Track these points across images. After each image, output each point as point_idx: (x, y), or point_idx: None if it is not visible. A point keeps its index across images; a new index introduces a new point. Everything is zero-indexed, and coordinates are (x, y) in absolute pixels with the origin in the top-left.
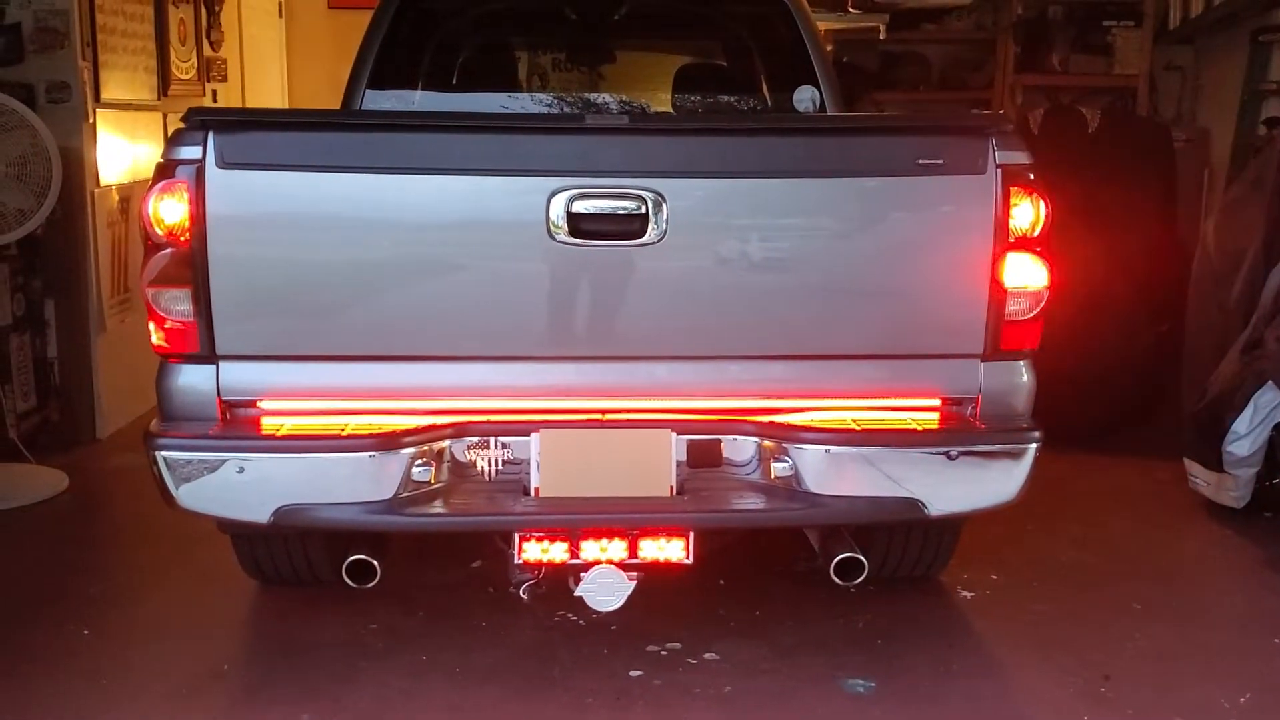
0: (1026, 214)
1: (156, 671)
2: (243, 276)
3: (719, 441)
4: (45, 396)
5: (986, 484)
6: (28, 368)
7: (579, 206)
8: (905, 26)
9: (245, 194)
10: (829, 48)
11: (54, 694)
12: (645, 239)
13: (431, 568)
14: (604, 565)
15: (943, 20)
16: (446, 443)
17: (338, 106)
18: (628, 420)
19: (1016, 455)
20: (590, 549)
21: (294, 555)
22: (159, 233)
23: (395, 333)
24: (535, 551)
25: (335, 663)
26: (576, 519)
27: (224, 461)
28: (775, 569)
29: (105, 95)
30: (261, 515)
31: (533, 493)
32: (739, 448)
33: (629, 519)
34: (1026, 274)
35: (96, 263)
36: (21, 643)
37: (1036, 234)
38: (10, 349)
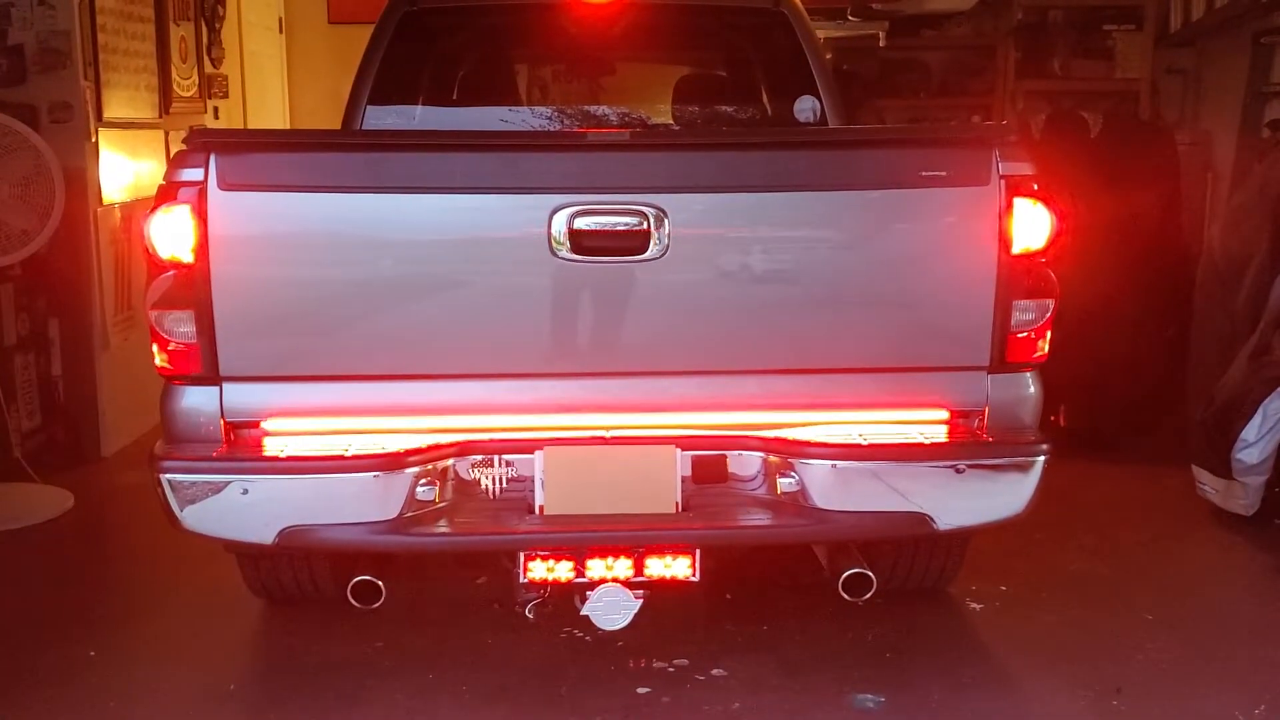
0: (1031, 225)
1: (164, 692)
2: (246, 298)
3: (724, 457)
4: (50, 415)
5: (995, 497)
6: (32, 387)
7: (581, 223)
8: (905, 33)
9: (247, 215)
10: (828, 56)
11: (60, 715)
12: (648, 254)
13: (437, 585)
14: (610, 583)
15: (942, 26)
16: (450, 462)
17: (339, 121)
18: (632, 437)
19: (1025, 468)
20: (596, 567)
21: (300, 575)
22: (162, 255)
23: (398, 352)
24: (541, 570)
25: (342, 682)
26: (582, 537)
27: (228, 483)
28: (783, 583)
29: (107, 114)
30: (266, 536)
31: (537, 511)
32: (744, 463)
33: (634, 536)
34: (1032, 285)
35: (100, 281)
36: (28, 663)
37: (1041, 245)
38: (15, 368)
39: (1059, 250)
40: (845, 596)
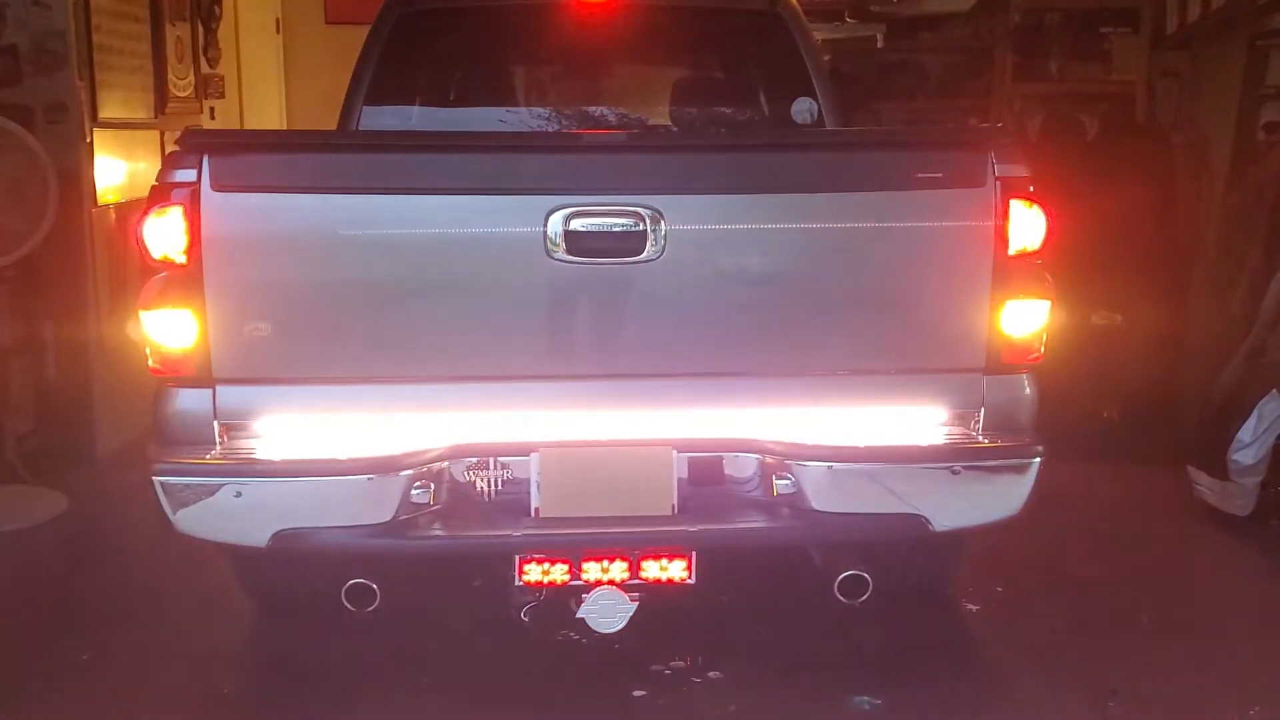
0: (1027, 226)
1: (158, 695)
2: (239, 300)
3: (720, 459)
4: (44, 417)
5: (991, 498)
6: (27, 388)
7: (576, 224)
8: (902, 35)
9: (241, 217)
10: (826, 57)
11: (54, 718)
12: (643, 256)
13: (432, 589)
14: (606, 586)
15: (940, 29)
16: (445, 464)
17: (335, 122)
18: (628, 439)
19: (1021, 469)
20: (592, 570)
21: (294, 578)
22: (154, 256)
23: (392, 354)
24: (536, 573)
25: (337, 686)
26: (577, 539)
27: (221, 486)
28: (779, 586)
29: (102, 114)
30: (260, 539)
31: (533, 513)
32: (740, 465)
33: (630, 538)
34: (1028, 286)
35: (95, 283)
36: (21, 666)
37: (1037, 246)
38: (9, 370)
39: (1054, 251)
40: (841, 599)
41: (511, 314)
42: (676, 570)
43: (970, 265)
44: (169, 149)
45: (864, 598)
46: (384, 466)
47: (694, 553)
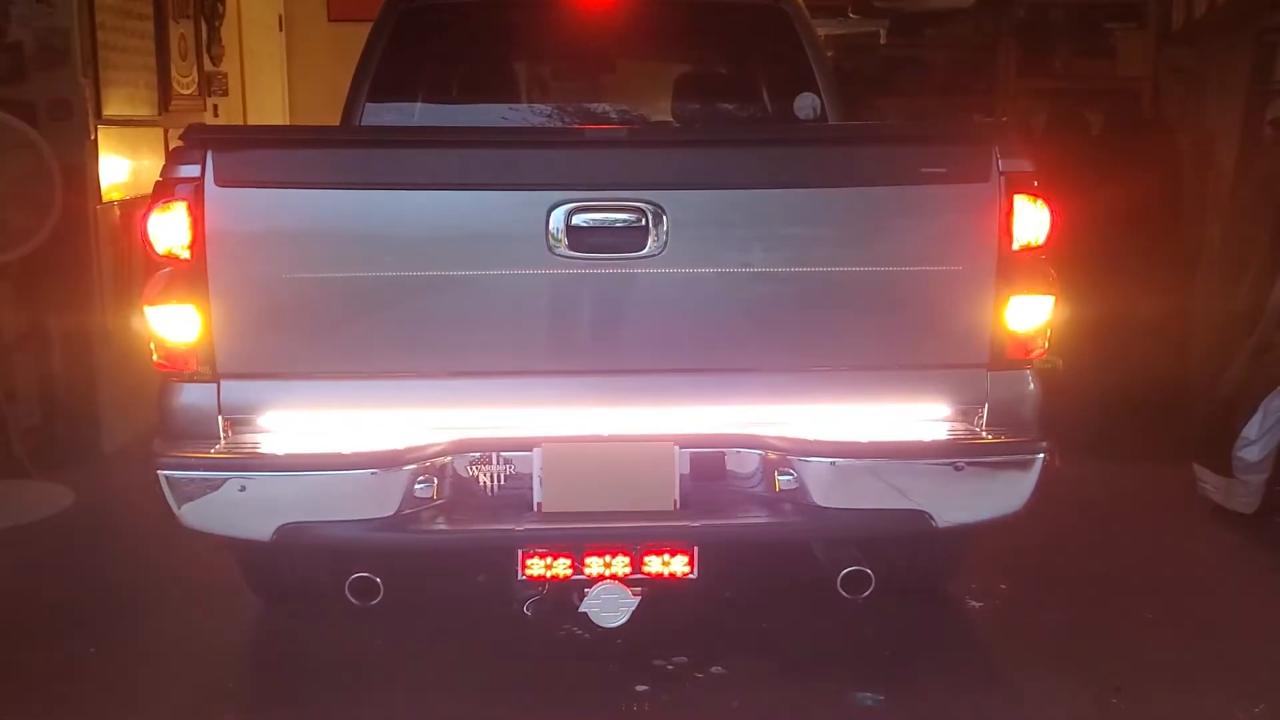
0: (1031, 221)
1: (162, 690)
2: (242, 294)
3: (722, 454)
4: (50, 412)
5: (994, 495)
6: (32, 384)
7: (578, 220)
8: (906, 31)
9: (244, 212)
10: (830, 53)
11: (58, 713)
12: (645, 251)
13: (435, 583)
14: (608, 581)
15: (944, 25)
16: (448, 459)
17: (338, 119)
18: (631, 434)
19: (1024, 465)
20: (594, 564)
21: (298, 572)
22: (158, 251)
23: (395, 349)
24: (539, 567)
25: (341, 680)
26: (580, 533)
27: (226, 480)
28: (782, 581)
29: (107, 112)
30: (264, 533)
31: (535, 508)
32: (743, 461)
33: (632, 532)
34: (1032, 282)
35: (100, 278)
36: (26, 661)
37: (1041, 241)
38: (14, 365)
39: (1059, 247)
40: (844, 594)
41: (514, 309)
42: (679, 565)
43: (974, 260)
44: (173, 145)
45: (867, 594)
46: (387, 461)
47: (696, 548)
